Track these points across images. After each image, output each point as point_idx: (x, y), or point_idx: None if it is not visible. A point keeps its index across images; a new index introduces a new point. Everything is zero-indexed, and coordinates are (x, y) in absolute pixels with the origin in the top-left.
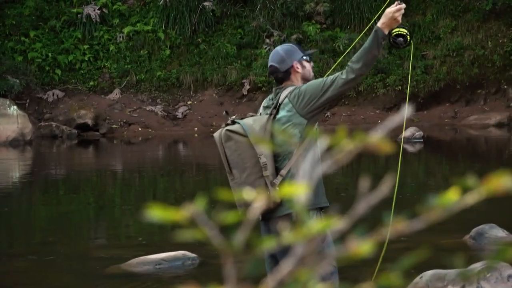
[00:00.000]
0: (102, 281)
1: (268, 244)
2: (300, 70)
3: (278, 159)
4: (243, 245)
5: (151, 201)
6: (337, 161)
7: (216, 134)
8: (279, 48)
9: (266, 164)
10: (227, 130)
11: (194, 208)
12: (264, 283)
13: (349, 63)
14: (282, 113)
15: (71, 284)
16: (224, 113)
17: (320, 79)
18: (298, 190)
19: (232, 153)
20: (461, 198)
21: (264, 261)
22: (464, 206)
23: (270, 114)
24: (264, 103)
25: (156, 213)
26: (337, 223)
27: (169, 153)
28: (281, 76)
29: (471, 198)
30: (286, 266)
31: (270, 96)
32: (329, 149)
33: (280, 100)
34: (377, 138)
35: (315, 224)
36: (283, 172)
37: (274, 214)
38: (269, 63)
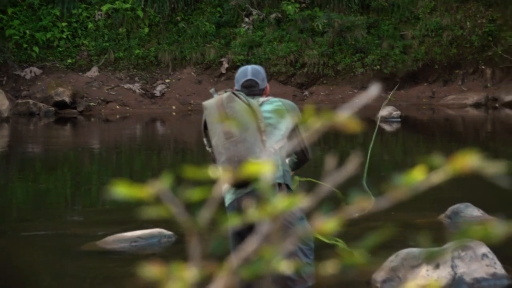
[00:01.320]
0: (78, 258)
1: (233, 222)
2: (267, 93)
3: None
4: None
5: (128, 179)
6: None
7: (212, 100)
8: (259, 68)
9: (265, 130)
10: (233, 92)
11: (159, 185)
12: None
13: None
14: (268, 106)
15: (46, 261)
16: (212, 89)
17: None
18: (264, 168)
19: (235, 113)
20: (427, 177)
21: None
22: (430, 185)
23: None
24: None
25: (121, 190)
26: (303, 201)
27: (146, 131)
28: (257, 92)
29: (437, 177)
30: (251, 244)
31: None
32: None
33: (264, 99)
34: (344, 117)
35: (281, 202)
36: (276, 146)
37: (244, 190)
38: (250, 77)
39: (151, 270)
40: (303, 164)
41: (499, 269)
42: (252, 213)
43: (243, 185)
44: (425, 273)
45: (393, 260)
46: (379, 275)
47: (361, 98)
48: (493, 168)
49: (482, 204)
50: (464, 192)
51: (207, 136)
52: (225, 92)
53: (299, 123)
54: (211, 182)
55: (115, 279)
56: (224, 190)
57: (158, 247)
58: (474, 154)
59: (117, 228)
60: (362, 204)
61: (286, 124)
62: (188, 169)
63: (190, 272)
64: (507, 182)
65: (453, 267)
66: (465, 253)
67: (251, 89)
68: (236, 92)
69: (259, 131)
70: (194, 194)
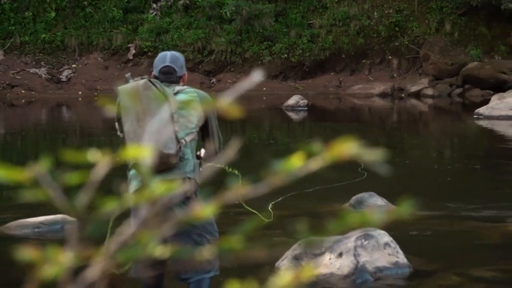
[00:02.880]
0: None
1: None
2: (185, 81)
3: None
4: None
5: (31, 164)
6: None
7: (127, 85)
8: (178, 55)
9: (178, 120)
10: (149, 80)
11: (37, 169)
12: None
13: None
14: (183, 96)
15: None
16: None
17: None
18: (144, 153)
19: (149, 102)
20: (305, 163)
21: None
22: (308, 171)
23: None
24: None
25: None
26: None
27: (52, 116)
28: (175, 79)
29: (315, 164)
30: (128, 228)
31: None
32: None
33: (180, 88)
34: (225, 102)
35: (159, 187)
36: (187, 139)
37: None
38: (168, 64)
39: (26, 253)
40: (215, 157)
41: (401, 258)
42: (129, 197)
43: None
44: (328, 262)
45: (296, 248)
46: (282, 263)
47: (244, 84)
48: (370, 156)
49: (386, 193)
50: (371, 182)
51: (119, 121)
52: (142, 78)
53: (213, 115)
54: (91, 166)
55: (17, 265)
56: (130, 176)
57: (61, 233)
58: (352, 141)
59: (20, 214)
60: (239, 189)
61: (198, 117)
62: (67, 152)
63: (66, 256)
64: (385, 169)
65: (355, 255)
66: (368, 242)
67: (168, 75)
68: (152, 80)
69: (171, 121)
70: (73, 177)
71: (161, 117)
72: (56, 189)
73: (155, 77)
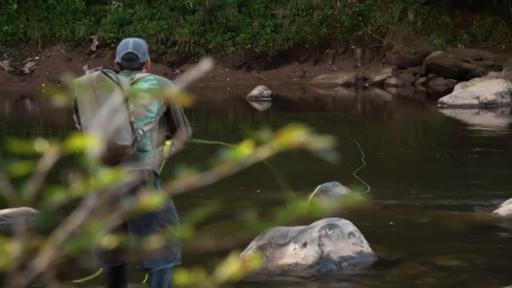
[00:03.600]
0: None
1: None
2: (148, 67)
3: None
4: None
5: None
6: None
7: (83, 77)
8: (140, 41)
9: (134, 111)
10: (103, 72)
11: None
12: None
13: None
14: (142, 84)
15: None
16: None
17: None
18: (91, 142)
19: (103, 94)
20: (253, 152)
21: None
22: (257, 159)
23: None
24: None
25: None
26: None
27: (15, 108)
28: (137, 66)
29: (264, 152)
30: (76, 218)
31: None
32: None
33: (140, 76)
34: (174, 91)
35: (106, 176)
36: (145, 129)
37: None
38: (131, 50)
39: None
40: (185, 141)
41: (365, 247)
42: (77, 187)
43: (112, 166)
44: (292, 252)
45: (260, 238)
46: (247, 254)
47: (192, 72)
48: (318, 144)
49: (350, 183)
50: (336, 171)
51: (77, 113)
52: (96, 70)
53: (175, 101)
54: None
55: None
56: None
57: (25, 226)
58: (300, 129)
59: None
60: (187, 179)
61: (158, 105)
62: (14, 143)
63: (13, 246)
64: (333, 157)
65: (320, 245)
66: (332, 231)
67: (131, 62)
68: (106, 71)
69: (126, 111)
70: (19, 168)
71: (111, 107)
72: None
73: (118, 64)
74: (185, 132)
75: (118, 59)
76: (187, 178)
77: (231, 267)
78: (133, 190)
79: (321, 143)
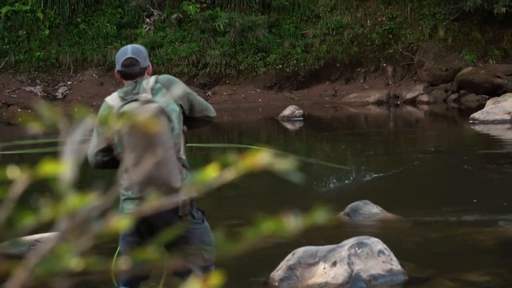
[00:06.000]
0: None
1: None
2: (150, 73)
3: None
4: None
5: None
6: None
7: (133, 106)
8: (139, 47)
9: (180, 146)
10: (160, 105)
11: None
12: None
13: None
14: (158, 98)
15: None
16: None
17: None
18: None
19: (159, 130)
20: (219, 174)
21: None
22: (223, 181)
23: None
24: (120, 93)
25: None
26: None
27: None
28: (139, 72)
29: (230, 174)
30: (47, 243)
31: (125, 88)
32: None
33: (151, 85)
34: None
35: (74, 200)
36: (184, 157)
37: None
38: (130, 55)
39: None
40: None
41: (395, 265)
42: (46, 211)
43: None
44: (322, 271)
45: (290, 258)
46: (277, 274)
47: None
48: (283, 165)
49: (381, 201)
50: (366, 189)
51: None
52: (140, 101)
53: (187, 93)
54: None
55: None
56: (124, 197)
57: None
58: (264, 151)
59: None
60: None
61: (177, 115)
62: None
63: None
64: (298, 177)
65: (349, 264)
66: (362, 250)
67: (131, 67)
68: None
69: (175, 148)
70: None
71: (166, 146)
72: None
73: (119, 72)
74: (210, 112)
75: (118, 67)
76: (152, 201)
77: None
78: (167, 222)
79: (284, 165)
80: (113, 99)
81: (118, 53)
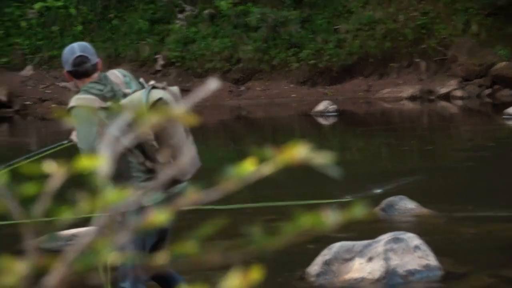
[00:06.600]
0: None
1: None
2: (101, 68)
3: None
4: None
5: None
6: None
7: (168, 95)
8: (85, 44)
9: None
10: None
11: None
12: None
13: None
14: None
15: None
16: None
17: None
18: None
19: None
20: (257, 168)
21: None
22: (261, 176)
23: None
24: (94, 90)
25: None
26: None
27: None
28: (91, 68)
29: (267, 168)
30: (85, 237)
31: (98, 86)
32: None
33: (121, 79)
34: (180, 110)
35: (112, 194)
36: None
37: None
38: (80, 53)
39: None
40: None
41: (432, 260)
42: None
43: (173, 184)
44: (358, 266)
45: (326, 253)
46: (313, 269)
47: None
48: (320, 159)
49: (417, 196)
50: (400, 185)
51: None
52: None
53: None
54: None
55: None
56: (148, 187)
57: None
58: (302, 145)
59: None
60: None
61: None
62: (25, 165)
63: (21, 265)
64: (336, 172)
65: (386, 259)
66: (398, 245)
67: (83, 65)
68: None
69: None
70: (28, 188)
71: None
72: (12, 200)
73: (69, 73)
74: None
75: (67, 67)
76: (192, 195)
77: (232, 281)
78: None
79: (322, 159)
80: (92, 100)
81: (64, 53)
